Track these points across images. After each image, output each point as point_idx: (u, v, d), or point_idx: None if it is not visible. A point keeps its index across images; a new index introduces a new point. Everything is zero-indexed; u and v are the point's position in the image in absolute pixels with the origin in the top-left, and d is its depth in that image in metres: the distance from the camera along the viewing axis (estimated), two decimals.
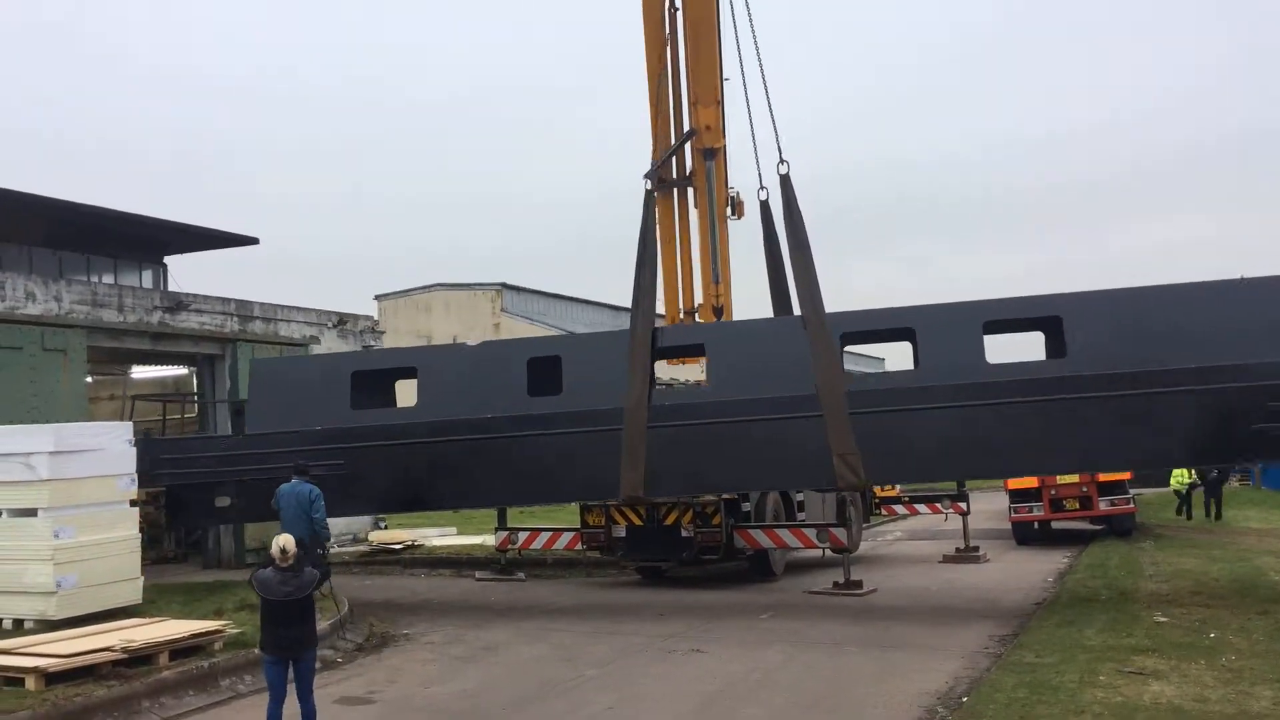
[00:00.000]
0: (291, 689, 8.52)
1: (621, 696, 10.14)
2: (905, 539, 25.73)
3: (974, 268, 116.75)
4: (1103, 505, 22.31)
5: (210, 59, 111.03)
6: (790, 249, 15.18)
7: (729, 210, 20.66)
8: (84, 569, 12.96)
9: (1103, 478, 21.95)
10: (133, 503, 14.08)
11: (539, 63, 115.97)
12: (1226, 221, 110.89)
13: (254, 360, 18.46)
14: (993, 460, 14.67)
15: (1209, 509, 26.58)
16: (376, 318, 28.10)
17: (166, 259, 26.50)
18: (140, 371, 25.79)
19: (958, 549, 20.77)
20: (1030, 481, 22.46)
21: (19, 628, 12.52)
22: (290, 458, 14.78)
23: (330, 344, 23.83)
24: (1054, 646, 11.15)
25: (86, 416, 18.54)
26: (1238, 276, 13.64)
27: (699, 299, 19.75)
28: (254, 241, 25.95)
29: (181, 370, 24.92)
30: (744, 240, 20.07)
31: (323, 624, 12.67)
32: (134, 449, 14.10)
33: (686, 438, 14.55)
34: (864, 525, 22.45)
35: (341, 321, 24.41)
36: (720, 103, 19.11)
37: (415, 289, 50.69)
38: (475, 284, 49.67)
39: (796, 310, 15.43)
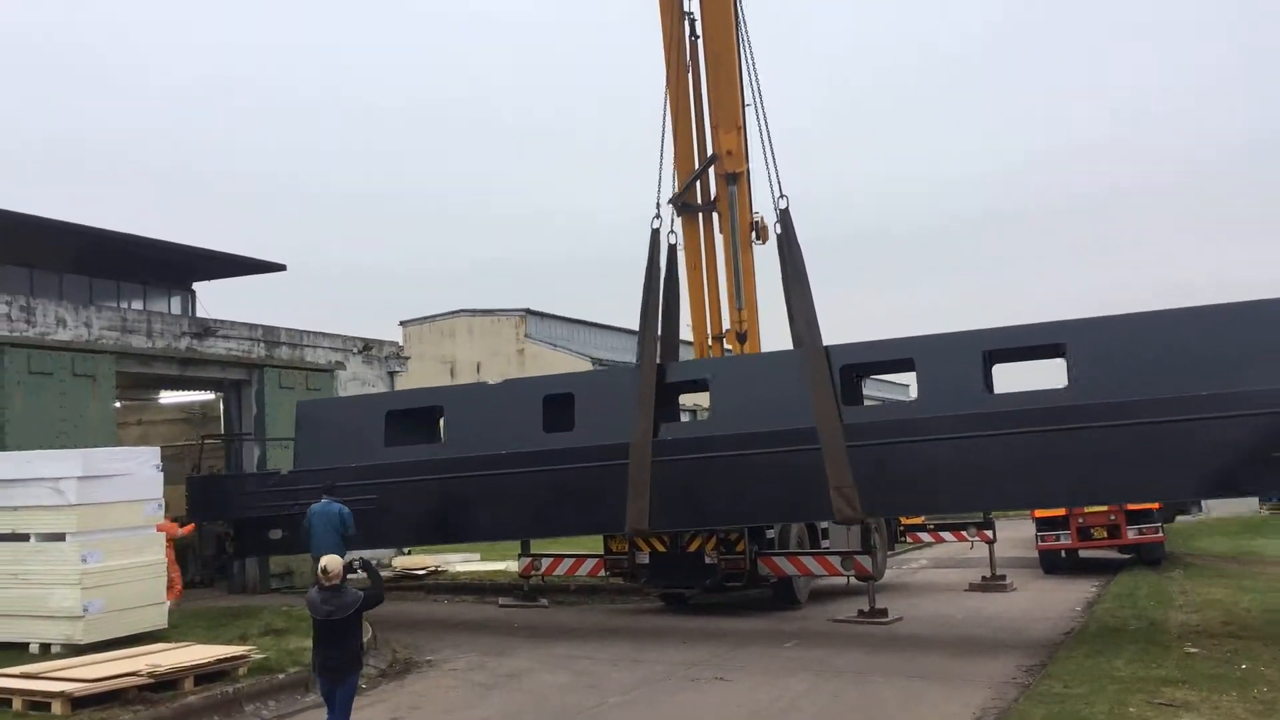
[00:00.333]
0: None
1: None
2: (931, 567, 25.52)
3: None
4: (1131, 534, 22.07)
5: (235, 70, 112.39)
6: (788, 281, 15.36)
7: (753, 235, 20.75)
8: (111, 593, 13.08)
9: (1131, 506, 21.72)
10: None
11: (569, 79, 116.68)
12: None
13: (300, 402, 19.46)
14: (995, 492, 14.24)
15: None
16: (401, 344, 28.27)
17: (195, 285, 26.80)
18: (168, 397, 25.99)
19: (984, 577, 20.58)
20: (1058, 510, 22.24)
21: (46, 652, 12.61)
22: (335, 492, 15.78)
23: (355, 370, 23.99)
24: (1083, 677, 11.01)
25: (115, 441, 18.72)
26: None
27: (727, 324, 19.80)
28: (281, 268, 26.23)
29: (208, 396, 25.09)
30: (772, 265, 20.19)
31: None
32: (161, 474, 14.22)
33: (690, 471, 14.76)
34: (889, 553, 22.28)
35: (367, 348, 24.57)
36: (742, 128, 19.18)
37: (440, 315, 50.93)
38: (499, 310, 49.83)
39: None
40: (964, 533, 21.62)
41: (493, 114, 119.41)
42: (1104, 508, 21.78)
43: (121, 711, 9.82)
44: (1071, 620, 15.88)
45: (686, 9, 19.02)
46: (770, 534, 17.54)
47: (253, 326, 21.76)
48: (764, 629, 15.99)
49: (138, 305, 25.11)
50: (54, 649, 12.66)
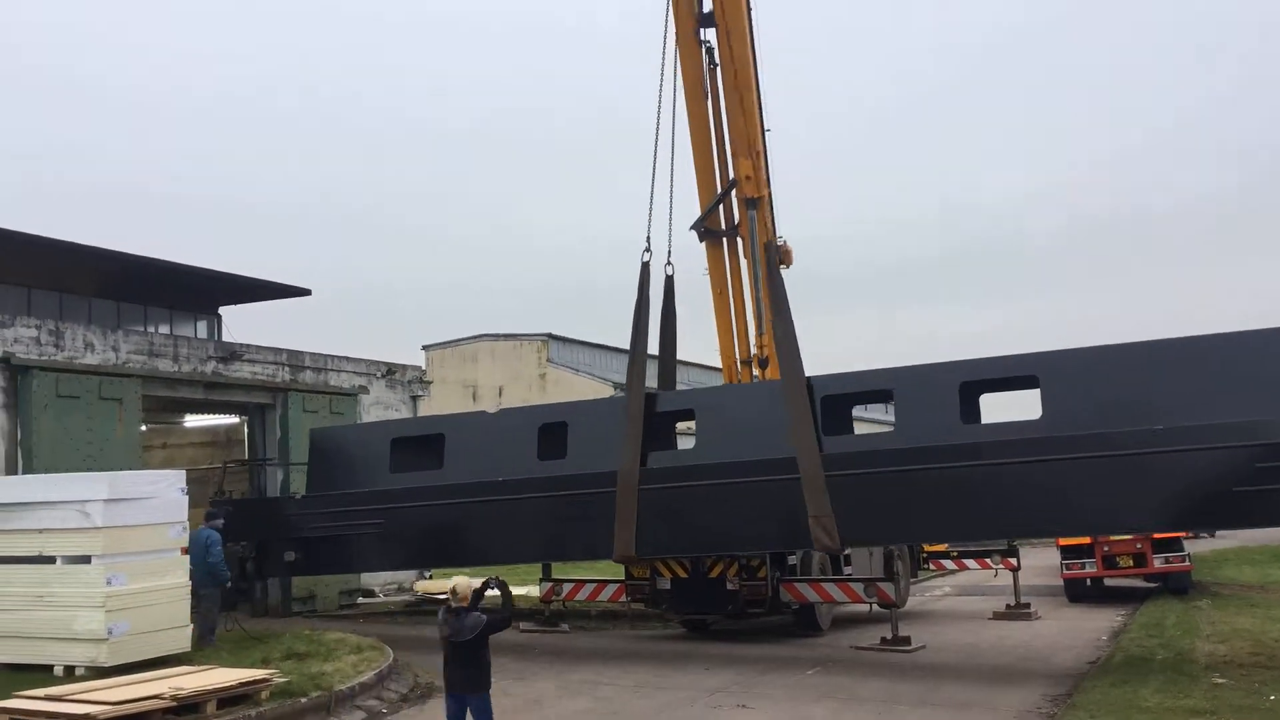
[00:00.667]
0: None
1: None
2: (954, 594, 25.33)
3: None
4: (1157, 563, 21.83)
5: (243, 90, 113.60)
6: (770, 313, 15.44)
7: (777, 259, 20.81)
8: (135, 616, 13.11)
9: (1158, 535, 21.52)
10: (184, 550, 14.28)
11: (600, 104, 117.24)
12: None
13: (312, 430, 19.95)
14: (973, 523, 14.23)
15: None
16: (424, 368, 28.42)
17: (221, 309, 27.06)
18: (193, 420, 26.20)
19: (1008, 605, 20.41)
20: (1082, 538, 22.07)
21: (70, 674, 12.65)
22: (342, 517, 16.79)
23: (379, 394, 24.12)
24: (1109, 707, 10.90)
25: (140, 464, 18.86)
26: None
27: (755, 349, 19.85)
28: (306, 293, 26.45)
29: (233, 419, 25.26)
30: (801, 288, 20.34)
31: (367, 675, 12.80)
32: (186, 497, 14.30)
33: (676, 499, 14.99)
34: (911, 580, 22.15)
35: (390, 372, 24.71)
36: (760, 154, 19.31)
37: (462, 339, 51.15)
38: (521, 334, 50.02)
39: None
40: (988, 560, 21.46)
41: (527, 135, 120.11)
42: (1129, 536, 21.61)
43: None
44: (1097, 649, 15.73)
45: (703, 39, 19.18)
46: (792, 560, 17.49)
47: (278, 351, 21.92)
48: (786, 656, 15.91)
49: (164, 329, 25.37)
50: (78, 671, 12.69)
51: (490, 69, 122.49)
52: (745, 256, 19.93)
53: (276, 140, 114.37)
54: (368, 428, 20.52)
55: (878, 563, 18.95)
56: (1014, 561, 20.71)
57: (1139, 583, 23.69)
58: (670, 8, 17.86)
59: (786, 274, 21.20)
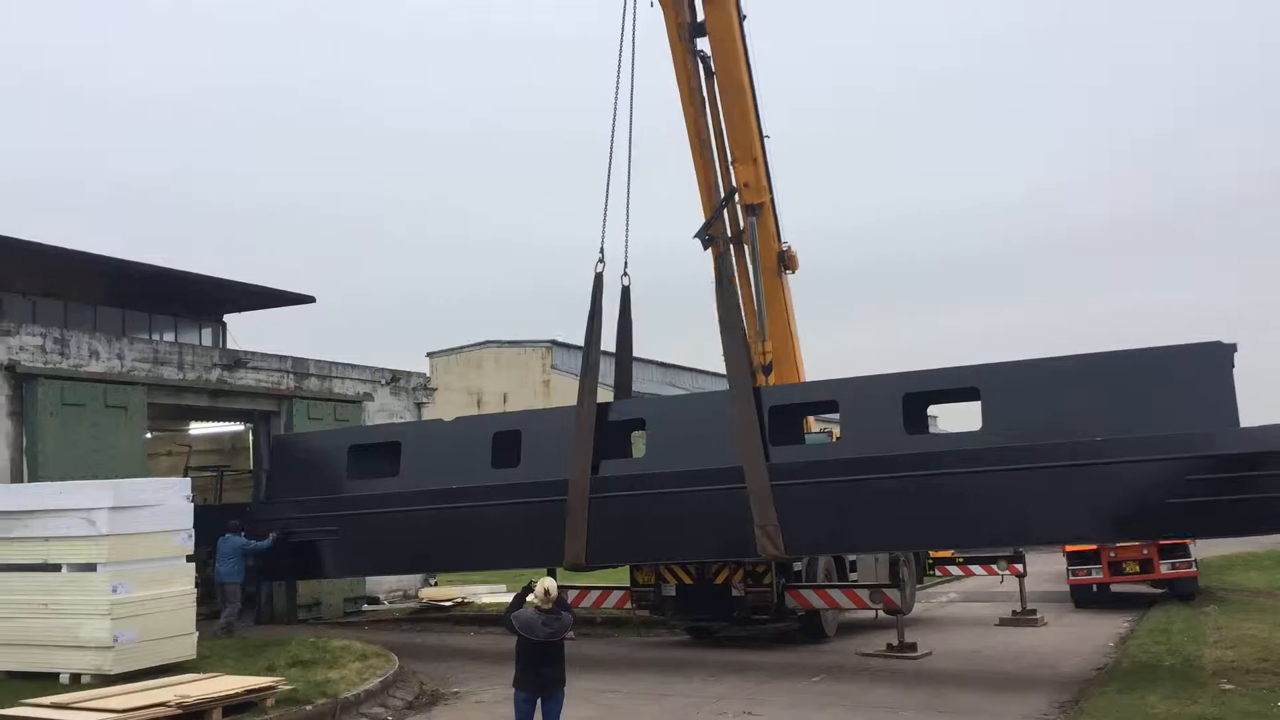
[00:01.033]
0: None
1: None
2: (960, 600, 25.26)
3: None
4: (1164, 568, 21.78)
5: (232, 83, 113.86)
6: (720, 323, 15.61)
7: (781, 265, 20.85)
8: (141, 624, 13.12)
9: (1164, 540, 21.45)
10: (189, 558, 14.28)
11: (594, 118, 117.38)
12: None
13: (275, 435, 20.55)
14: (914, 533, 14.30)
15: None
16: (429, 375, 28.42)
17: (226, 317, 27.07)
18: (199, 428, 26.21)
19: (1014, 611, 20.37)
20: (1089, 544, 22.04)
21: (76, 682, 12.65)
22: (301, 522, 17.38)
23: (383, 401, 24.12)
24: (1117, 714, 10.87)
25: (145, 472, 18.88)
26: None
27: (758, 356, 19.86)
28: (310, 300, 26.45)
29: (238, 427, 25.29)
30: (804, 294, 20.39)
31: (372, 683, 12.79)
32: (191, 504, 14.31)
33: (626, 507, 15.08)
34: (917, 586, 22.11)
35: (394, 379, 24.70)
36: (759, 160, 19.37)
37: (467, 346, 51.19)
38: (525, 341, 50.04)
39: None
40: (994, 566, 21.41)
41: (535, 139, 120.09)
42: (1136, 541, 21.56)
43: None
44: (1104, 656, 15.68)
45: (699, 48, 19.19)
46: (797, 566, 17.45)
47: (283, 358, 21.93)
48: (791, 663, 15.87)
49: (169, 337, 25.38)
50: (84, 679, 12.70)
51: (492, 78, 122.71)
52: (753, 262, 20.00)
53: (278, 145, 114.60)
54: (328, 434, 20.55)
55: (884, 568, 18.89)
56: (1020, 568, 20.65)
57: (1145, 588, 23.63)
58: (627, 12, 17.43)
59: (793, 279, 21.38)
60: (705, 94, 19.21)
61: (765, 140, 19.55)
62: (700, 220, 19.75)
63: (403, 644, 17.15)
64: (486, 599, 23.02)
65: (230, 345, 25.78)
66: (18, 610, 13.36)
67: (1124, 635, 17.81)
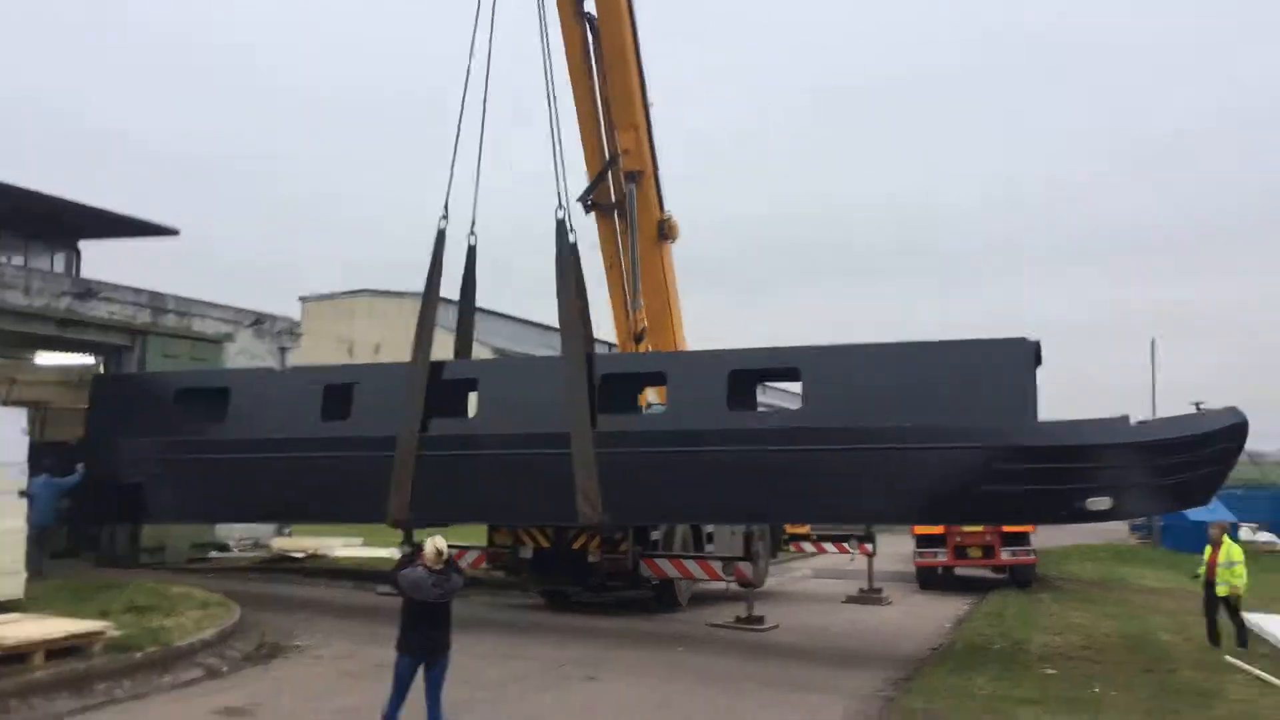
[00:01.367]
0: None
1: None
2: (813, 577, 25.89)
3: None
4: (1004, 555, 22.74)
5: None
6: (556, 288, 15.45)
7: (660, 234, 20.84)
8: None
9: (1006, 528, 22.37)
10: (21, 493, 13.60)
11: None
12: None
13: (95, 375, 20.06)
14: (733, 506, 14.65)
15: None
16: (298, 320, 27.61)
17: (80, 243, 25.69)
18: (46, 358, 24.94)
19: (861, 590, 20.97)
20: (936, 528, 22.82)
21: None
22: (124, 464, 16.87)
23: (245, 343, 23.39)
24: (944, 694, 11.27)
25: None
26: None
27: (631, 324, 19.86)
28: (174, 233, 25.21)
29: (89, 360, 24.15)
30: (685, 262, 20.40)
31: (209, 632, 12.42)
32: (26, 437, 13.64)
33: (453, 467, 15.08)
34: (771, 560, 22.56)
35: (258, 321, 23.96)
36: (640, 127, 19.31)
37: (341, 293, 49.91)
38: (404, 292, 49.01)
39: None
40: (845, 545, 21.97)
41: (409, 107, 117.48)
42: (980, 528, 22.43)
43: None
44: (940, 637, 16.26)
45: (588, 9, 18.99)
46: (655, 535, 17.59)
47: (139, 291, 21.04)
48: (642, 630, 16.03)
49: (18, 260, 23.97)
50: None
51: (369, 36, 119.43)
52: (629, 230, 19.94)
53: (159, 85, 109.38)
54: (153, 377, 20.12)
55: (739, 541, 19.17)
56: (869, 547, 21.22)
57: (988, 574, 24.61)
58: None
59: (674, 249, 21.42)
60: (593, 60, 19.09)
61: (650, 108, 19.49)
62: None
63: (248, 594, 16.72)
64: (341, 552, 22.62)
65: (85, 275, 24.50)
66: None
67: (962, 618, 18.53)
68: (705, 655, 13.83)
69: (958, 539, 22.86)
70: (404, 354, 16.66)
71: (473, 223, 16.48)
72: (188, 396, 17.55)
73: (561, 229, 15.48)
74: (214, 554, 22.46)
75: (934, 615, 18.87)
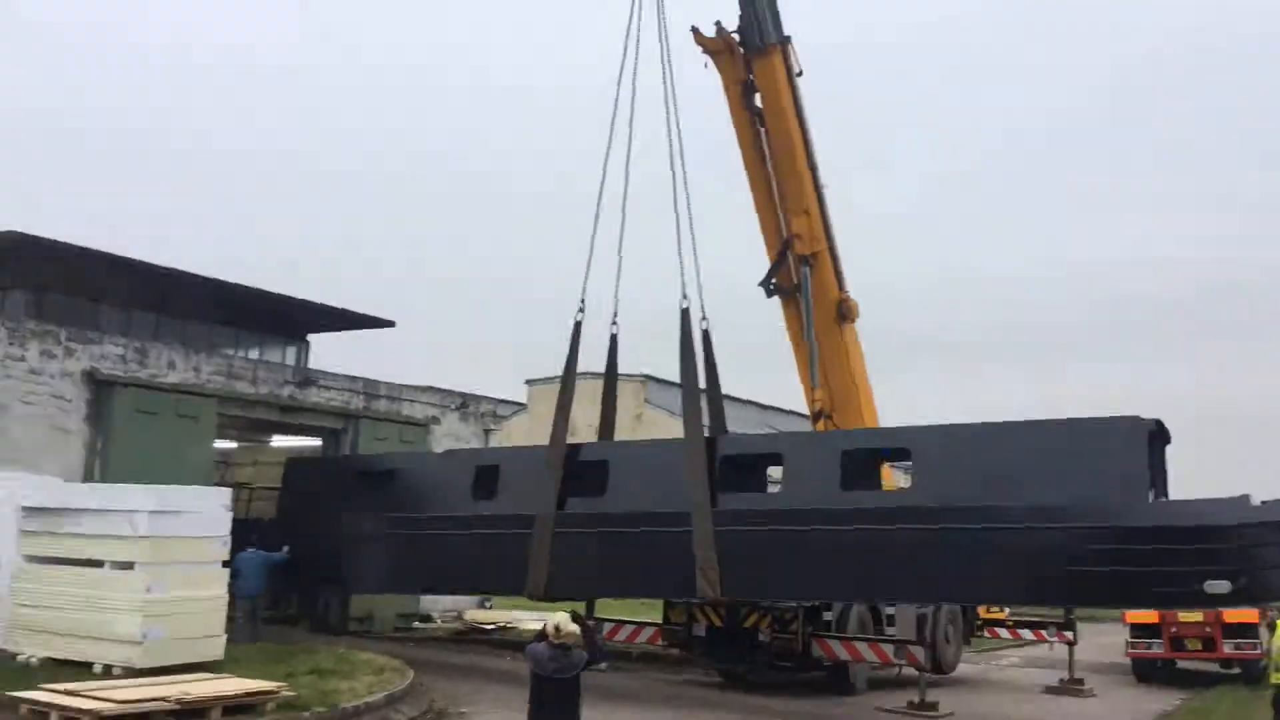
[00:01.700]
0: None
1: None
2: (1020, 665, 24.56)
3: None
4: (1227, 648, 20.90)
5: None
6: (682, 378, 16.42)
7: (840, 314, 20.81)
8: (171, 623, 13.85)
9: (1228, 618, 20.63)
10: (225, 564, 15.03)
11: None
12: None
13: (288, 459, 22.03)
14: (842, 583, 14.72)
15: None
16: (525, 402, 29.03)
17: (310, 337, 28.27)
18: (279, 440, 27.36)
19: (1061, 680, 19.79)
20: (1150, 616, 21.35)
21: (107, 673, 13.42)
22: (306, 541, 18.59)
23: (450, 426, 24.86)
24: None
25: (211, 480, 19.86)
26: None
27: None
28: (390, 324, 27.44)
29: (315, 441, 26.34)
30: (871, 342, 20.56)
31: (377, 696, 13.25)
32: (230, 513, 15.08)
33: (588, 543, 15.74)
34: (964, 646, 21.63)
35: (464, 404, 25.44)
36: (813, 212, 19.55)
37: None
38: (620, 374, 50.28)
39: None
40: (1043, 632, 20.86)
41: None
42: (1199, 617, 20.79)
43: None
44: None
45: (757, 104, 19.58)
46: (828, 616, 17.37)
47: (354, 379, 22.85)
48: (807, 712, 15.85)
49: (254, 354, 26.63)
50: (115, 671, 13.45)
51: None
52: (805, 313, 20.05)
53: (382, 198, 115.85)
54: (336, 459, 22.59)
55: (927, 624, 18.59)
56: (1070, 635, 20.07)
57: (1216, 667, 22.63)
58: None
59: (858, 326, 21.32)
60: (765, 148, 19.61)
61: (822, 190, 19.69)
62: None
63: (433, 661, 17.64)
64: (531, 625, 23.39)
65: (313, 364, 26.86)
66: (66, 602, 14.27)
67: (1166, 714, 17.16)
68: None
69: (1173, 629, 21.21)
70: (622, 436, 17.97)
71: (614, 315, 17.60)
72: (364, 477, 19.26)
73: (685, 318, 16.35)
74: (417, 624, 23.74)
75: (1136, 711, 17.57)
